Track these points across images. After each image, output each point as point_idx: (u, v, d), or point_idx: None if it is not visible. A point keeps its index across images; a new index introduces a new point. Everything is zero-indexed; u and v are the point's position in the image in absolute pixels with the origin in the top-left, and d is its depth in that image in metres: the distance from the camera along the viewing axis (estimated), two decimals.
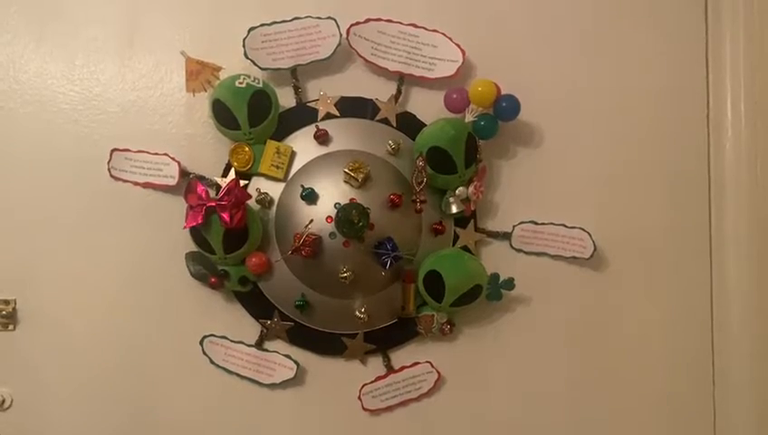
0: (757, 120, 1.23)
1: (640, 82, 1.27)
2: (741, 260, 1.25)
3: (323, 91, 1.21)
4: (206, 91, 1.17)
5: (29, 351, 1.22)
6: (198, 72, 1.17)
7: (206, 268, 1.17)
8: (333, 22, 1.18)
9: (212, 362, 1.21)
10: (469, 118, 1.17)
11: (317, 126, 1.19)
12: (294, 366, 1.20)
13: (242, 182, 1.16)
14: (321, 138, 1.19)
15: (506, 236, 1.23)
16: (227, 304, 1.22)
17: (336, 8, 1.18)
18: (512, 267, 1.21)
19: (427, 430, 1.24)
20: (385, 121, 1.21)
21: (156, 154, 1.20)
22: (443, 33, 1.20)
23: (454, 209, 1.18)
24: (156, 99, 1.23)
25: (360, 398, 1.21)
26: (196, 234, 1.14)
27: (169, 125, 1.23)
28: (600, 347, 1.26)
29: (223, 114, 1.15)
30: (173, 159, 1.19)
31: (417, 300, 1.19)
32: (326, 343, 1.21)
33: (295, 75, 1.20)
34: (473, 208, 1.20)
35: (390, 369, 1.22)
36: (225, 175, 1.20)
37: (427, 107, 1.22)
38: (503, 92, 1.16)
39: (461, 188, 1.18)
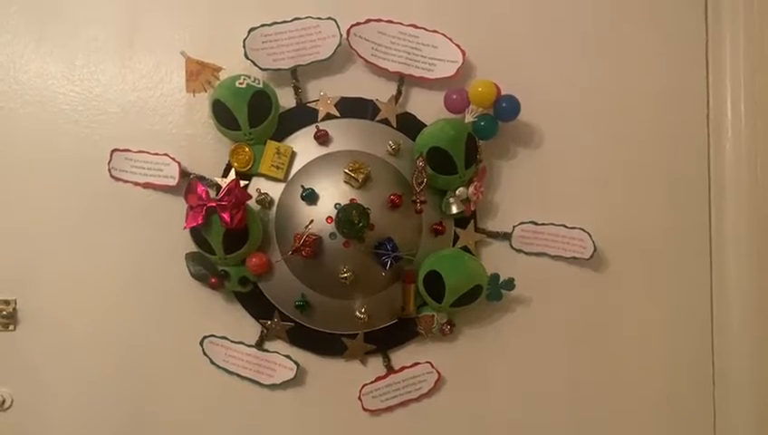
0: (757, 121, 1.23)
1: (640, 82, 1.27)
2: (741, 260, 1.25)
3: (323, 92, 1.21)
4: (206, 91, 1.17)
5: (29, 351, 1.22)
6: (198, 73, 1.17)
7: (206, 269, 1.17)
8: (333, 22, 1.18)
9: (212, 362, 1.21)
10: (469, 118, 1.17)
11: (317, 126, 1.19)
12: (294, 367, 1.20)
13: (242, 182, 1.16)
14: (322, 138, 1.19)
15: (506, 236, 1.23)
16: (227, 305, 1.22)
17: (336, 9, 1.18)
18: (512, 268, 1.21)
19: (428, 431, 1.24)
20: (385, 122, 1.21)
21: (156, 154, 1.20)
22: (443, 34, 1.20)
23: (454, 210, 1.18)
24: (156, 99, 1.23)
25: (360, 398, 1.21)
26: (197, 234, 1.14)
27: (170, 125, 1.23)
28: (600, 347, 1.26)
29: (223, 115, 1.15)
30: (173, 159, 1.19)
31: (418, 300, 1.19)
32: (326, 344, 1.21)
33: (295, 76, 1.20)
34: (473, 209, 1.20)
35: (390, 369, 1.22)
36: (225, 175, 1.20)
37: (427, 107, 1.22)
38: (503, 93, 1.16)
39: (461, 189, 1.18)
